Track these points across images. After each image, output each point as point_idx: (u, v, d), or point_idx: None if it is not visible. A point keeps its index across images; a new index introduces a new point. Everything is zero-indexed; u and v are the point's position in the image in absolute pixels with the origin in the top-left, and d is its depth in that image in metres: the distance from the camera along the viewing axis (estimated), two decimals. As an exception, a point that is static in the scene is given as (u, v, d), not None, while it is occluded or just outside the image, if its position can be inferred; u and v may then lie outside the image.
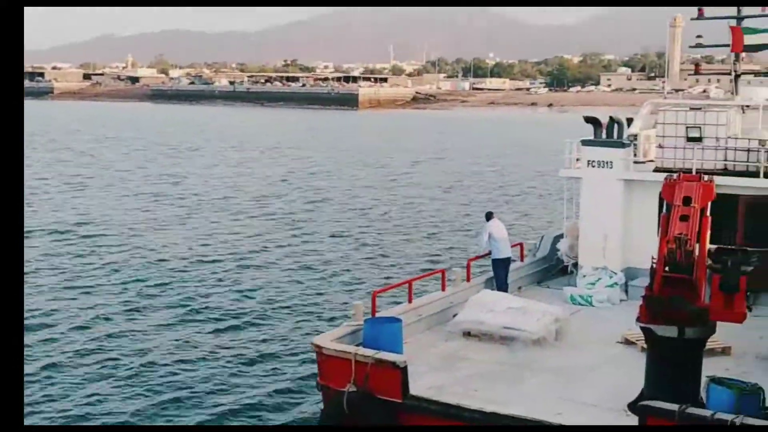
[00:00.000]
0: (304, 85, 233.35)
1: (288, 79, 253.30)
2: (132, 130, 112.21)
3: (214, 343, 23.31)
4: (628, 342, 16.88)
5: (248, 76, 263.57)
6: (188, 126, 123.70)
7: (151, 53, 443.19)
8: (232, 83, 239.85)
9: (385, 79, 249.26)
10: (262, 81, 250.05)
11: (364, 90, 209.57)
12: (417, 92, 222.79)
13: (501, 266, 20.05)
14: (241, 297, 28.25)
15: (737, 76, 23.22)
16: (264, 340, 23.57)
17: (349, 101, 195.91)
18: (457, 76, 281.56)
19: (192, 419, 18.19)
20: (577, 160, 21.98)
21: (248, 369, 21.22)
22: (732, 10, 22.93)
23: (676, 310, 12.32)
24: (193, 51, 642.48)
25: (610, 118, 22.00)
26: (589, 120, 22.13)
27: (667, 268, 12.45)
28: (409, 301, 17.63)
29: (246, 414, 18.52)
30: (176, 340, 23.53)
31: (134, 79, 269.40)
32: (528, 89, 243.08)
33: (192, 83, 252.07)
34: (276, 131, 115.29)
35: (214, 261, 33.50)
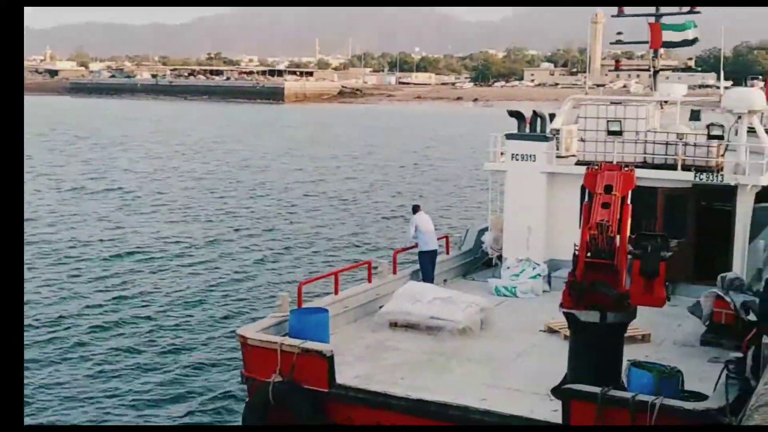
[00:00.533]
0: (228, 78, 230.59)
1: (212, 72, 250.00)
2: (52, 124, 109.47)
3: (138, 337, 22.97)
4: (551, 330, 17.19)
5: (171, 70, 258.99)
6: (110, 120, 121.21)
7: (71, 46, 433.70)
8: (154, 76, 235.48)
9: (311, 73, 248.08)
10: (186, 74, 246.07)
11: (291, 84, 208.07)
12: (343, 86, 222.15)
13: (427, 258, 20.17)
14: (166, 290, 27.89)
15: (656, 72, 23.80)
16: (189, 333, 23.35)
17: (275, 95, 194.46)
18: (383, 71, 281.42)
19: (113, 417, 17.91)
20: (502, 153, 22.27)
21: (171, 362, 20.97)
22: (651, 9, 23.49)
23: (598, 295, 12.60)
24: (114, 43, 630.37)
25: (534, 112, 22.38)
26: (513, 114, 22.49)
27: (589, 254, 12.71)
28: (336, 292, 17.62)
29: (168, 408, 18.30)
30: (100, 334, 23.15)
31: (53, 73, 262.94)
32: (453, 84, 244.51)
33: (113, 76, 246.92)
34: (201, 125, 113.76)
35: (139, 255, 33.00)
